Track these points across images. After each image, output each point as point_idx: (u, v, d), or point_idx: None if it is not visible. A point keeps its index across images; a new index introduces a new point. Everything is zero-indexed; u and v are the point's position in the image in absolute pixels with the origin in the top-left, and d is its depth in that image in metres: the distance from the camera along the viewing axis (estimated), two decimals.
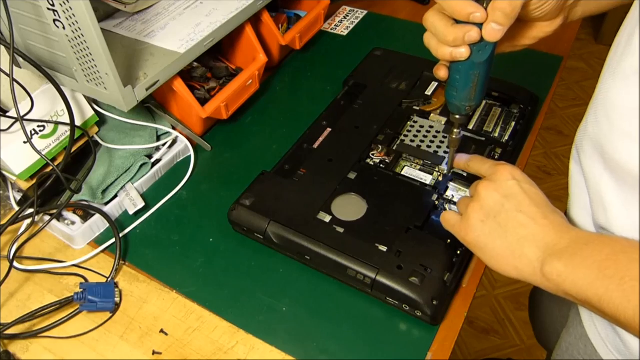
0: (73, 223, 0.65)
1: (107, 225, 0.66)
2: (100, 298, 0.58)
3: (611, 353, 0.51)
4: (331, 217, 0.61)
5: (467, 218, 0.51)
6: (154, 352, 0.55)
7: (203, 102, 0.74)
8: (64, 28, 0.57)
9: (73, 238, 0.64)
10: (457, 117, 0.54)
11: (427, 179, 0.66)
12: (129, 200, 0.67)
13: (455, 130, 0.57)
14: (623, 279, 0.39)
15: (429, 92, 0.79)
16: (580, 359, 0.57)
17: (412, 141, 0.71)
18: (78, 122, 0.66)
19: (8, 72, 0.56)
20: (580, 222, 0.53)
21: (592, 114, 0.48)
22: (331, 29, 1.00)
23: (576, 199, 0.53)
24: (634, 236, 0.44)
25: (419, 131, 0.73)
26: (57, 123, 0.64)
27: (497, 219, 0.49)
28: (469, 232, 0.51)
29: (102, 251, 0.65)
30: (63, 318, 0.58)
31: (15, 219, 0.64)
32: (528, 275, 0.47)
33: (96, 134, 0.71)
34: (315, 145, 0.71)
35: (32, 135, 0.62)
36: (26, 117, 0.60)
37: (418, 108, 0.76)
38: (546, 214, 0.47)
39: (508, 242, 0.48)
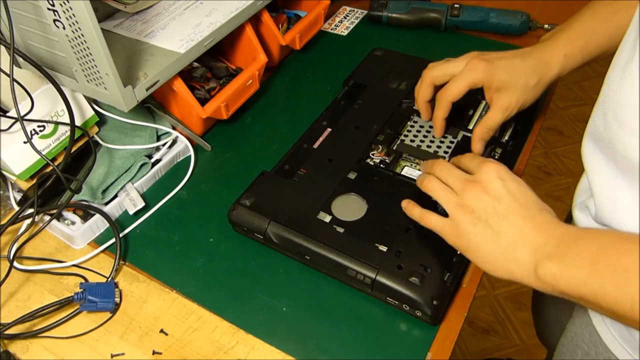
0: (73, 223, 0.65)
1: (107, 225, 0.66)
2: (100, 298, 0.58)
3: (615, 340, 0.52)
4: (331, 217, 0.61)
5: (457, 222, 0.50)
6: (154, 352, 0.55)
7: (203, 102, 0.74)
8: (64, 28, 0.57)
9: (73, 238, 0.64)
10: None
11: None
12: (129, 200, 0.67)
13: None
14: (615, 271, 0.39)
15: None
16: (584, 347, 0.57)
17: (412, 141, 0.71)
18: (78, 122, 0.66)
19: (8, 72, 0.56)
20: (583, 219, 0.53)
21: (600, 115, 0.48)
22: (331, 29, 1.00)
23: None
24: None
25: (419, 131, 0.73)
26: (57, 123, 0.64)
27: (488, 222, 0.48)
28: (460, 236, 0.50)
29: (102, 251, 0.65)
30: (63, 318, 0.58)
31: (15, 219, 0.64)
32: (521, 277, 0.47)
33: (96, 134, 0.71)
34: (315, 145, 0.71)
35: (32, 135, 0.62)
36: (26, 117, 0.60)
37: None
38: (535, 215, 0.47)
39: (500, 246, 0.48)
